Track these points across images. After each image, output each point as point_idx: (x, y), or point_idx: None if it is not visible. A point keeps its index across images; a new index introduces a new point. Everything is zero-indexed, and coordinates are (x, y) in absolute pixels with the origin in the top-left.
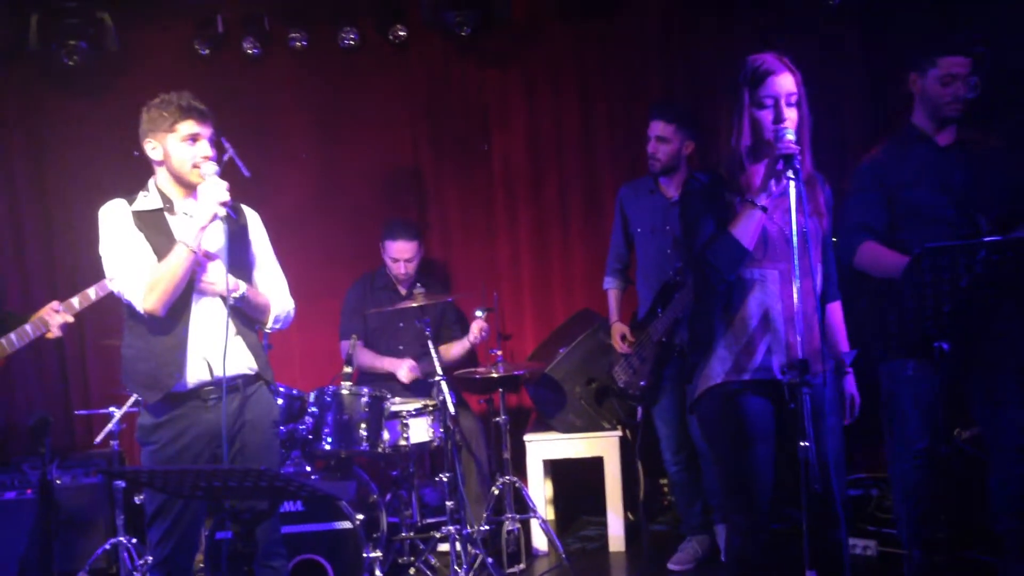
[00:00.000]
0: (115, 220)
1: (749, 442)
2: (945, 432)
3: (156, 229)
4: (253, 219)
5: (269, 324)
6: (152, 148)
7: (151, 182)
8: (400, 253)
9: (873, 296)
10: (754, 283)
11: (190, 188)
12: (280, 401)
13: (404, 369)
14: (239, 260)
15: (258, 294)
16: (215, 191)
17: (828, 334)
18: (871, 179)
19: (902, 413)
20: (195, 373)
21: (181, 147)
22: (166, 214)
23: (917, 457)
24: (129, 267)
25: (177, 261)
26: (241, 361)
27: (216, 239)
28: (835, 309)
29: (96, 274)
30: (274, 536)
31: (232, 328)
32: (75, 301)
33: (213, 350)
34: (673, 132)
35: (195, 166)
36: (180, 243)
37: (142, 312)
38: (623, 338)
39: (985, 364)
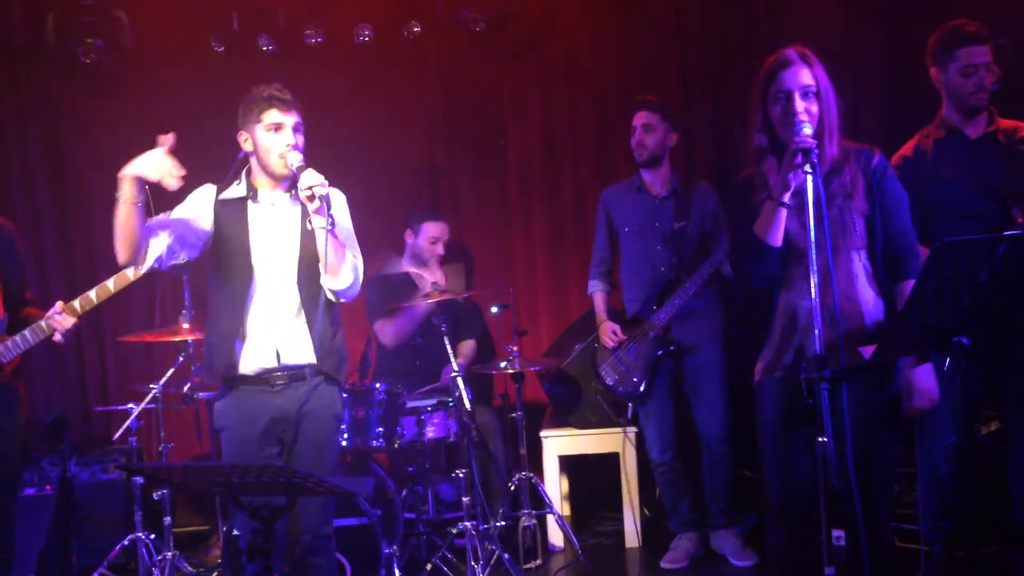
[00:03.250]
0: (189, 198)
1: (782, 438)
2: (970, 427)
3: (236, 217)
4: (338, 201)
5: (340, 281)
6: (244, 140)
7: (244, 172)
8: (441, 233)
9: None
10: (781, 281)
11: (276, 178)
12: None
13: (428, 277)
14: (312, 244)
15: (339, 242)
16: (308, 180)
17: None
18: (901, 176)
19: (932, 408)
20: (257, 359)
21: (265, 136)
22: (249, 203)
23: (947, 452)
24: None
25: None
26: (303, 351)
27: (292, 222)
28: (907, 288)
29: (111, 273)
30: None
31: (301, 310)
32: (77, 304)
33: (278, 336)
34: (658, 121)
35: (280, 156)
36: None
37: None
38: (614, 334)
39: (1015, 359)
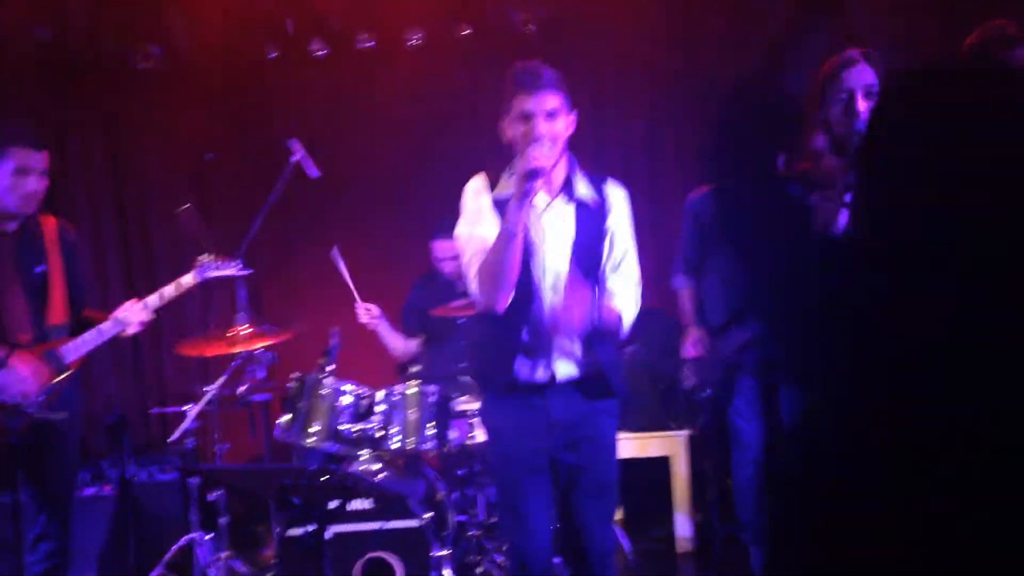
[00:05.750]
0: (469, 204)
1: None
2: None
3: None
4: (617, 200)
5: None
6: (504, 132)
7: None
8: (443, 252)
9: None
10: None
11: None
12: (349, 400)
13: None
14: (587, 250)
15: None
16: (523, 162)
17: None
18: None
19: None
20: (530, 366)
21: (514, 128)
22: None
23: None
24: (471, 259)
25: (497, 246)
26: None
27: (566, 223)
28: None
29: (172, 275)
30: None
31: None
32: (150, 300)
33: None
34: None
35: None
36: (501, 226)
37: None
38: (696, 343)
39: None
